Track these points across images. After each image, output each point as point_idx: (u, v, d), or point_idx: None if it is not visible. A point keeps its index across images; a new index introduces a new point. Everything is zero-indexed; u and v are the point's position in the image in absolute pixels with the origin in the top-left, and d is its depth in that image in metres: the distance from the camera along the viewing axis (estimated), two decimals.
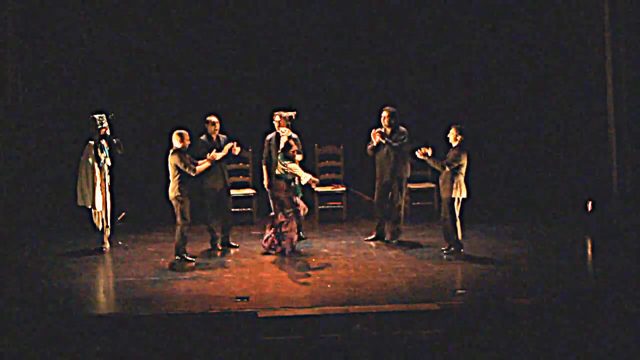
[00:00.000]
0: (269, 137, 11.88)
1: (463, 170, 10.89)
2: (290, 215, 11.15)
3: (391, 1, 14.45)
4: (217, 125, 11.59)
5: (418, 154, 10.96)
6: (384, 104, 11.86)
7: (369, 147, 11.69)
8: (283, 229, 11.17)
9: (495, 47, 14.33)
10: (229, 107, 13.44)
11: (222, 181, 11.60)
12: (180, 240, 10.94)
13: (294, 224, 11.25)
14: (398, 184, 11.68)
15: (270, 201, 11.70)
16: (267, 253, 11.28)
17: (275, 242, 11.27)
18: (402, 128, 11.66)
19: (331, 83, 14.54)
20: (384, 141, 11.54)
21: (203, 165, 11.03)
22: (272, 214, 11.47)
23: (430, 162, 10.98)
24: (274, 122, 11.83)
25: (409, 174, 11.79)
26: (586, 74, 13.22)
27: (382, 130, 11.61)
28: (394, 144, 11.53)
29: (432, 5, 14.43)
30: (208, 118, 11.65)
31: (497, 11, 14.25)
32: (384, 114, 11.64)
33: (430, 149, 10.94)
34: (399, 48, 14.53)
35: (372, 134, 11.61)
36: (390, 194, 11.71)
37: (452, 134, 10.92)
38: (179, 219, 10.89)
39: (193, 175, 10.90)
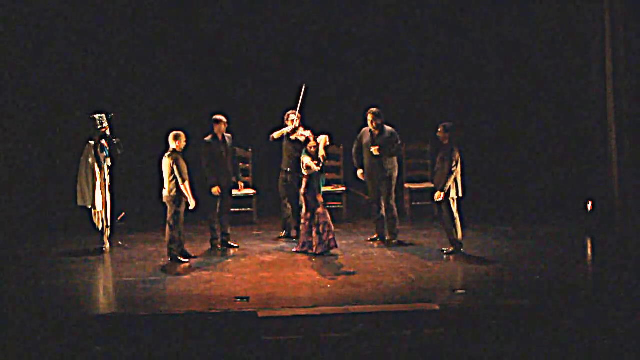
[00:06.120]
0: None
1: (457, 167, 10.88)
2: (308, 215, 11.15)
3: (391, 2, 14.45)
4: (223, 126, 11.55)
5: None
6: (376, 104, 11.86)
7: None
8: (306, 229, 11.21)
9: (496, 47, 14.33)
10: (229, 107, 13.40)
11: (228, 179, 11.58)
12: (173, 243, 10.91)
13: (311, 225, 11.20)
14: (387, 183, 11.65)
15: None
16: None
17: (306, 241, 11.26)
18: (389, 128, 11.61)
19: (331, 83, 14.52)
20: (379, 153, 11.49)
21: (187, 187, 10.81)
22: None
23: (445, 180, 10.92)
24: (287, 122, 11.93)
25: (396, 173, 11.75)
26: (586, 72, 13.20)
27: (376, 146, 11.52)
28: (394, 152, 11.52)
29: (432, 6, 14.43)
30: (215, 117, 11.61)
31: (497, 10, 14.25)
32: (370, 117, 11.56)
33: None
34: (399, 48, 14.52)
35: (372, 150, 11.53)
36: (381, 194, 11.68)
37: (440, 134, 10.96)
38: (170, 220, 10.85)
39: (180, 184, 10.79)
